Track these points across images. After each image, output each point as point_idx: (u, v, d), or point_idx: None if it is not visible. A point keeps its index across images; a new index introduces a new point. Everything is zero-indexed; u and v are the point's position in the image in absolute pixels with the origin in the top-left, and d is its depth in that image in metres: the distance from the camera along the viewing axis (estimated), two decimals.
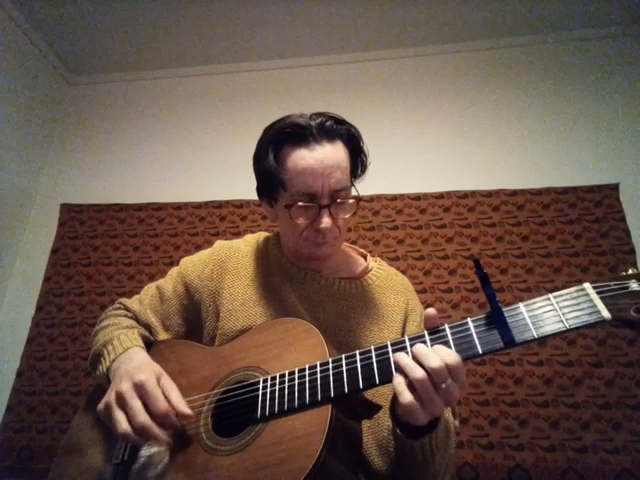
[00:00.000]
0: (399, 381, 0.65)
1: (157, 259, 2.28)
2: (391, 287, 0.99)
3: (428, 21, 2.40)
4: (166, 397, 0.75)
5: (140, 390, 0.74)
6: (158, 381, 0.77)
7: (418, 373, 0.62)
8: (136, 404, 0.73)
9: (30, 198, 2.51)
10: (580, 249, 1.98)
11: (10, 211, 2.37)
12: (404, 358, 0.65)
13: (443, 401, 0.63)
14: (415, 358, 0.64)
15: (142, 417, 0.71)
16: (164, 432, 0.73)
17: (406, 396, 0.63)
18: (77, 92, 2.81)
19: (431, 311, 0.70)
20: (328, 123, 0.85)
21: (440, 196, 2.19)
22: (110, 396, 0.75)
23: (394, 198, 2.22)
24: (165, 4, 2.35)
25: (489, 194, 2.15)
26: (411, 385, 0.64)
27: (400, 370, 0.65)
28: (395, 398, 0.67)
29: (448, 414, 0.82)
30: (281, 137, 0.86)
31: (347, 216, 0.89)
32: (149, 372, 0.77)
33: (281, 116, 0.90)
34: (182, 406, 0.74)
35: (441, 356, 0.63)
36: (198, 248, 2.21)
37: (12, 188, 2.38)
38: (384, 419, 0.85)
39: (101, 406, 0.76)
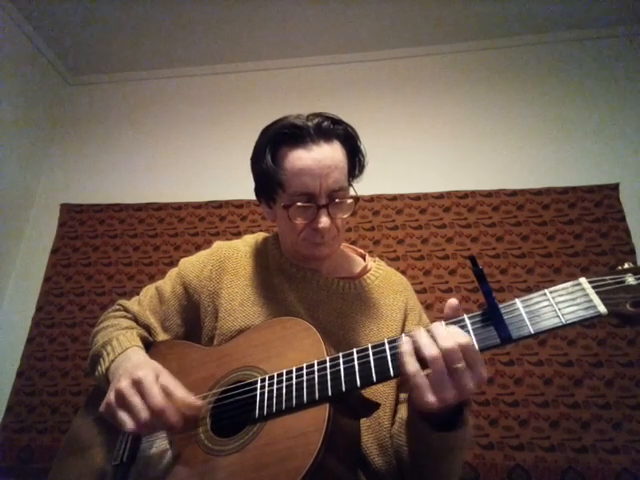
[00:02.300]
0: (405, 349, 0.64)
1: (157, 259, 2.28)
2: (390, 287, 0.99)
3: (428, 21, 2.40)
4: (170, 394, 0.74)
5: (138, 387, 0.74)
6: (157, 378, 0.76)
7: (433, 350, 0.61)
8: (136, 401, 0.72)
9: (30, 198, 2.51)
10: (580, 249, 1.98)
11: (10, 211, 2.37)
12: (423, 337, 0.64)
13: (455, 387, 0.61)
14: (432, 337, 0.63)
15: (144, 413, 0.71)
16: (165, 427, 0.73)
17: (412, 366, 0.62)
18: (77, 92, 2.81)
19: (454, 301, 0.67)
20: (325, 123, 0.86)
21: (440, 196, 2.19)
22: (110, 395, 0.75)
23: (394, 198, 2.22)
24: (165, 4, 2.35)
25: (489, 194, 2.15)
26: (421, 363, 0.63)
27: (415, 347, 0.64)
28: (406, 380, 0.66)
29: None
30: (278, 138, 0.87)
31: (345, 216, 0.89)
32: (147, 369, 0.77)
33: (280, 116, 0.90)
34: (190, 399, 0.74)
35: (454, 337, 0.62)
36: (198, 248, 2.21)
37: (12, 188, 2.38)
38: (384, 418, 0.85)
39: (102, 406, 0.76)
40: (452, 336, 0.62)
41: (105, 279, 2.27)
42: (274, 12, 2.38)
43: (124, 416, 0.72)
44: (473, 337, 0.64)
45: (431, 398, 0.61)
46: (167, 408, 0.72)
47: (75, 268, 2.31)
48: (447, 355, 0.61)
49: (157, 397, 0.72)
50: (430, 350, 0.62)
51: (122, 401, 0.73)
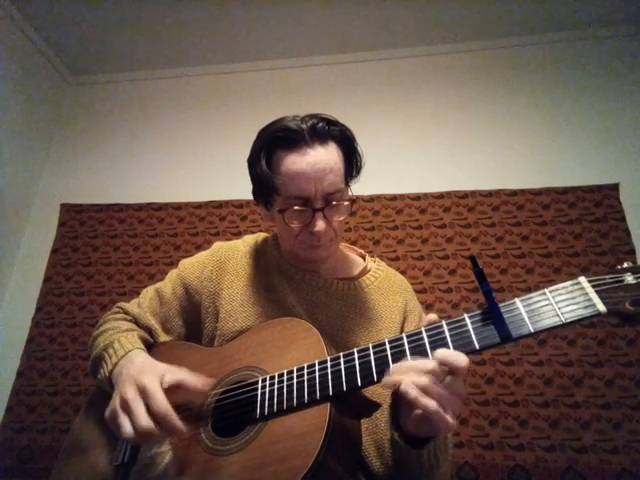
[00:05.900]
0: (415, 394, 0.62)
1: (157, 259, 2.28)
2: (389, 288, 0.99)
3: (428, 21, 2.40)
4: (181, 386, 0.74)
5: (143, 393, 0.73)
6: (162, 381, 0.74)
7: (424, 380, 0.62)
8: (139, 408, 0.71)
9: (30, 198, 2.51)
10: (580, 249, 1.98)
11: (10, 211, 2.37)
12: (422, 379, 0.63)
13: (457, 396, 0.63)
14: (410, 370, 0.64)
15: (144, 420, 0.69)
16: (166, 433, 0.71)
17: (431, 404, 0.61)
18: (77, 92, 2.81)
19: (433, 317, 0.69)
20: (320, 125, 0.84)
21: (440, 196, 2.19)
22: (115, 402, 0.74)
23: (394, 198, 2.22)
24: (165, 4, 2.35)
25: (489, 194, 2.15)
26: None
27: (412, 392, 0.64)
28: (410, 413, 0.66)
29: None
30: (273, 142, 0.86)
31: (341, 218, 0.88)
32: (152, 374, 0.76)
33: (279, 117, 0.89)
34: (201, 384, 0.75)
35: (424, 364, 0.64)
36: (198, 248, 2.21)
37: (12, 188, 2.38)
38: (381, 420, 0.85)
39: (107, 412, 0.75)
40: (421, 364, 0.64)
41: (105, 279, 2.27)
42: (274, 12, 2.38)
43: (125, 422, 0.71)
44: (473, 335, 0.65)
45: (450, 419, 0.62)
46: (169, 413, 0.70)
47: (75, 268, 2.31)
48: (435, 376, 0.62)
49: (161, 402, 0.71)
50: (421, 381, 0.62)
51: (126, 408, 0.72)
